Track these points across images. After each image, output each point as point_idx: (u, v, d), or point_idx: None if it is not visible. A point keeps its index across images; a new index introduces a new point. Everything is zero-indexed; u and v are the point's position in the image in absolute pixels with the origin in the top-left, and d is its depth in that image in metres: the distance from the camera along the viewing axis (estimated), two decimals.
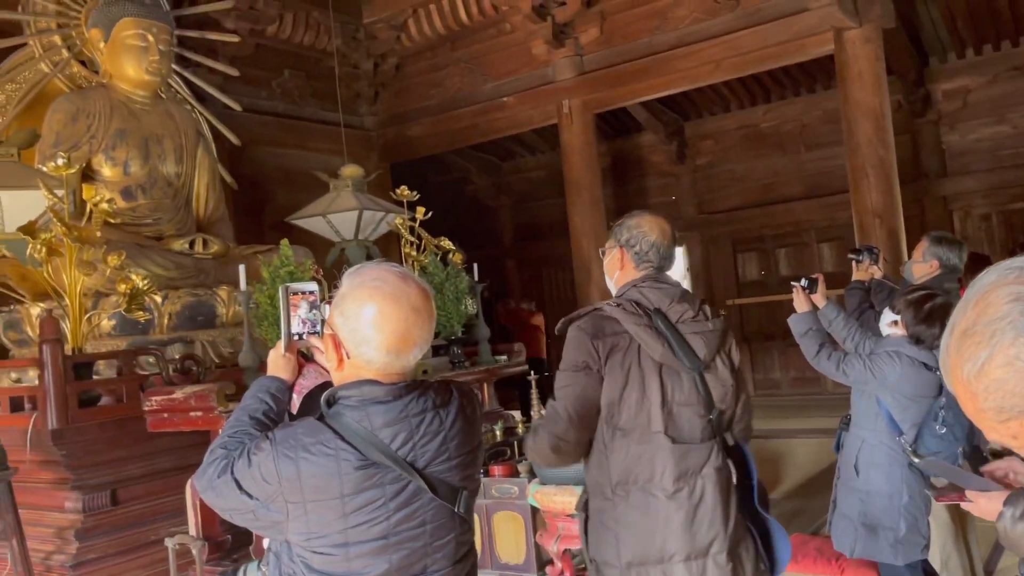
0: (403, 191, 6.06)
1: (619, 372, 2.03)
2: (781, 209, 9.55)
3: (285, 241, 4.25)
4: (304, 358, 1.61)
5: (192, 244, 5.64)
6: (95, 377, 4.25)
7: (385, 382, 1.39)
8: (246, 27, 7.20)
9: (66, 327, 4.15)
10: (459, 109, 8.23)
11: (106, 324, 4.80)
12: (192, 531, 3.85)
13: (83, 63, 5.91)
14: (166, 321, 4.96)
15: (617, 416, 2.02)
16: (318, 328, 1.51)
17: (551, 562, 3.74)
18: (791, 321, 3.41)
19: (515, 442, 4.61)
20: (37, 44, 5.69)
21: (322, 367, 1.56)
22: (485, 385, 5.34)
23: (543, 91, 7.74)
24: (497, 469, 3.89)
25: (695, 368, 2.06)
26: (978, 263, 4.68)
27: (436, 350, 5.62)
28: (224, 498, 1.39)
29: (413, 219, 5.98)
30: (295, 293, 1.55)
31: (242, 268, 4.04)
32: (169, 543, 4.12)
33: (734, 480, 2.07)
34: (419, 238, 6.06)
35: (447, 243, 6.05)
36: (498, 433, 4.69)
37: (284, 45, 7.83)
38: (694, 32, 6.92)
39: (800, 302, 3.44)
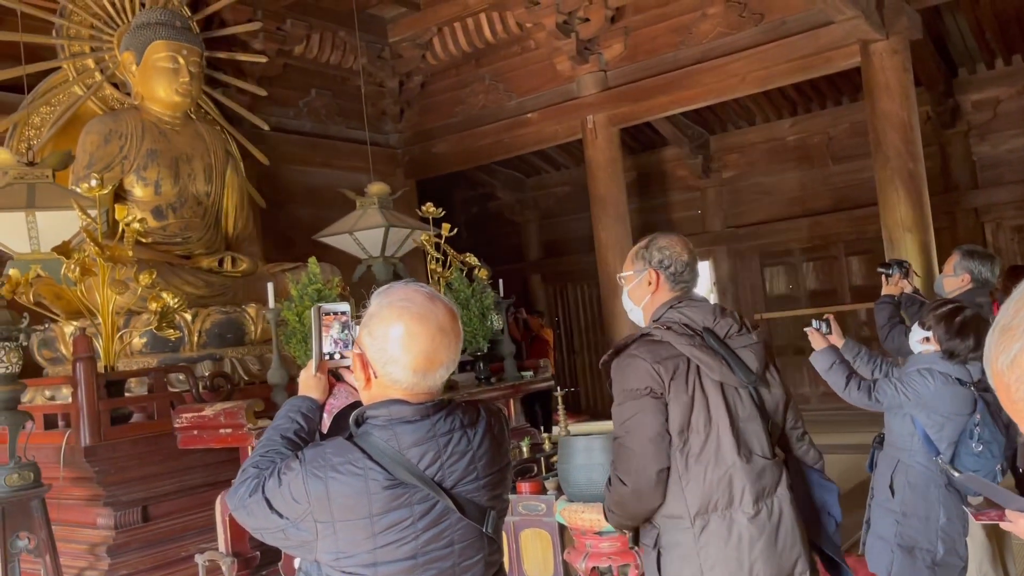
0: (429, 208, 6.10)
1: (684, 396, 1.95)
2: (809, 222, 9.48)
3: (313, 259, 4.29)
4: (335, 378, 1.63)
5: (221, 262, 5.72)
6: (127, 394, 4.31)
7: (413, 402, 1.41)
8: (274, 48, 7.31)
9: (99, 345, 4.21)
10: (484, 126, 8.28)
11: (138, 342, 4.87)
12: (222, 547, 3.87)
13: (115, 85, 6.02)
14: (196, 339, 5.02)
15: (689, 442, 1.94)
16: (349, 348, 1.53)
17: None
18: (814, 360, 3.35)
19: (542, 459, 4.60)
20: (71, 67, 5.81)
21: (352, 387, 1.57)
22: (511, 401, 5.34)
23: (567, 107, 7.76)
24: (524, 486, 3.88)
25: (751, 382, 2.02)
26: (1018, 275, 4.61)
27: (462, 366, 5.63)
28: (255, 517, 1.41)
29: (439, 236, 6.02)
30: (327, 314, 1.57)
31: (270, 286, 4.08)
32: (199, 559, 4.15)
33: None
34: (445, 254, 6.09)
35: (472, 259, 6.07)
36: (525, 450, 4.68)
37: (311, 65, 7.93)
38: (718, 46, 6.91)
39: (817, 342, 3.38)
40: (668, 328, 2.04)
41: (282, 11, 7.27)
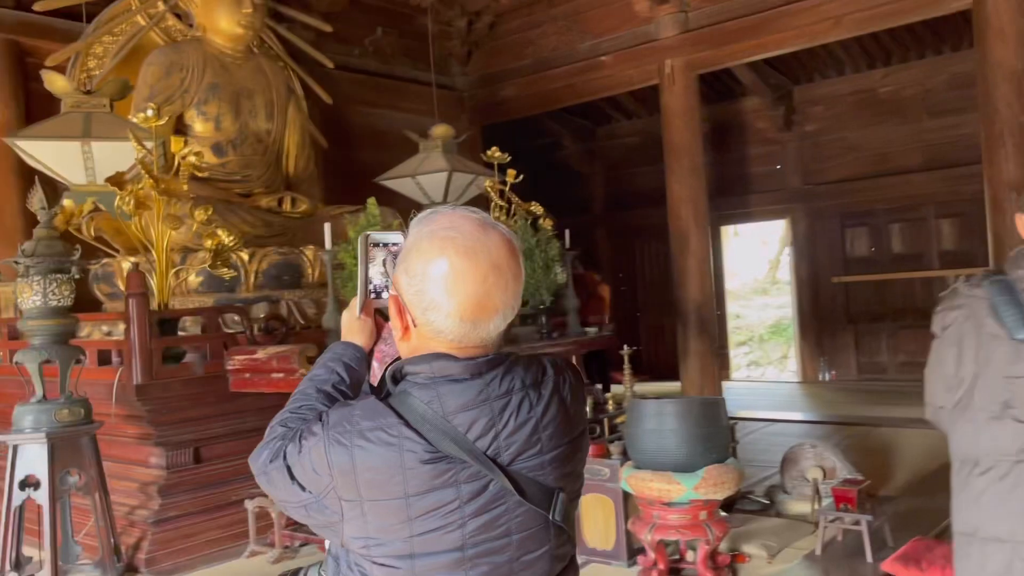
0: (494, 152, 5.83)
1: (965, 345, 1.78)
2: (896, 181, 8.87)
3: (372, 200, 4.09)
4: (384, 319, 1.37)
5: (280, 202, 5.56)
6: (180, 333, 4.20)
7: (460, 356, 1.12)
8: None
9: (153, 282, 4.09)
10: (554, 69, 7.91)
11: (193, 280, 4.76)
12: None
13: (179, 16, 5.86)
14: (252, 279, 4.88)
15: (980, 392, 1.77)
16: (386, 283, 1.27)
17: (642, 551, 3.49)
18: None
19: (605, 419, 4.36)
20: None
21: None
22: (574, 358, 5.09)
23: (644, 50, 7.33)
24: None
25: None
26: None
27: (523, 319, 5.41)
28: (276, 487, 1.17)
29: (503, 182, 5.76)
30: (376, 244, 1.30)
31: (327, 227, 3.89)
32: (249, 505, 4.05)
33: None
34: (509, 202, 5.84)
35: (538, 208, 5.80)
36: (587, 410, 4.44)
37: (377, 1, 7.65)
38: None
39: None
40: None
41: None
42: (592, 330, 5.35)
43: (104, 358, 4.11)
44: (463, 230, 1.11)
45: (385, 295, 1.28)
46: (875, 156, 9.10)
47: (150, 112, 3.98)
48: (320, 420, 1.14)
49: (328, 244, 3.85)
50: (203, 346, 4.10)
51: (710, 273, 7.24)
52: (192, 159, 4.03)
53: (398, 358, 1.25)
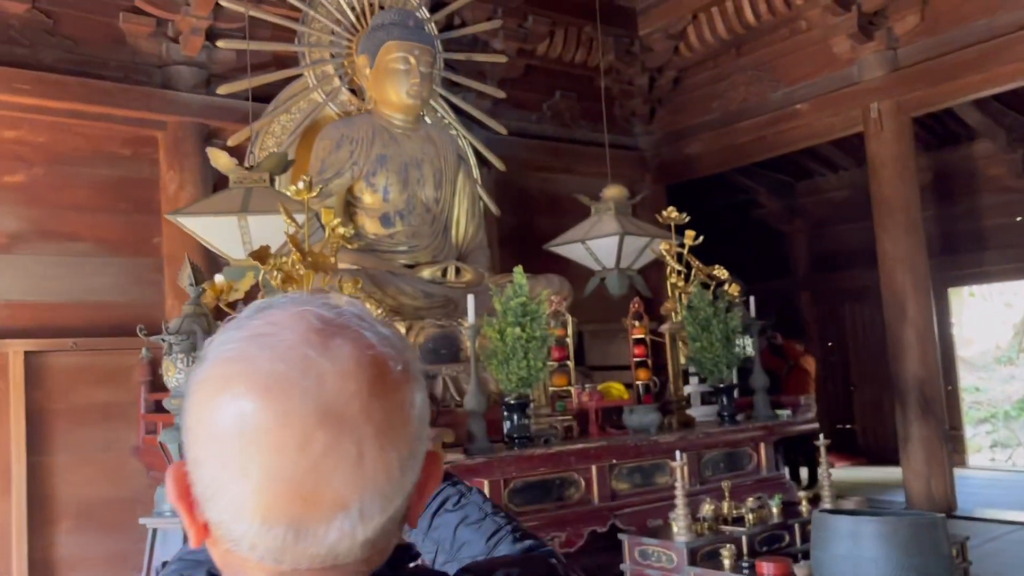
0: (671, 213, 5.34)
1: None
2: None
3: (519, 268, 3.74)
4: None
5: (445, 272, 5.38)
6: None
7: None
8: (515, 47, 6.94)
9: None
10: (743, 121, 7.31)
11: None
12: None
13: (353, 91, 5.95)
14: None
15: None
16: None
17: None
18: None
19: (796, 526, 3.64)
20: (311, 74, 5.81)
21: None
22: (762, 446, 4.40)
23: (845, 94, 6.57)
24: (766, 567, 2.97)
25: None
26: None
27: (704, 398, 4.79)
28: None
29: (681, 245, 5.23)
30: None
31: (470, 299, 3.58)
32: None
33: None
34: (688, 266, 5.29)
35: (722, 271, 5.20)
36: (774, 509, 3.75)
37: (555, 65, 7.48)
38: None
39: None
40: None
41: (523, 7, 6.87)
42: (784, 412, 4.62)
43: None
44: (276, 345, 0.60)
45: None
46: None
47: (301, 185, 3.91)
48: None
49: (471, 317, 3.53)
50: None
51: (934, 343, 6.20)
52: (341, 231, 3.90)
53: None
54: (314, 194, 3.98)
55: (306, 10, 5.77)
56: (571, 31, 7.32)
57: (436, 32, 6.17)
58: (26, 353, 4.91)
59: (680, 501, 3.27)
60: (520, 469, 3.48)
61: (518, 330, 3.47)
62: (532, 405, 3.80)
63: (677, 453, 3.34)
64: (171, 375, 3.45)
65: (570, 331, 4.17)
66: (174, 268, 4.84)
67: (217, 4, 5.48)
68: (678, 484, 3.27)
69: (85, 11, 5.40)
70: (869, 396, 9.46)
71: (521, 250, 6.90)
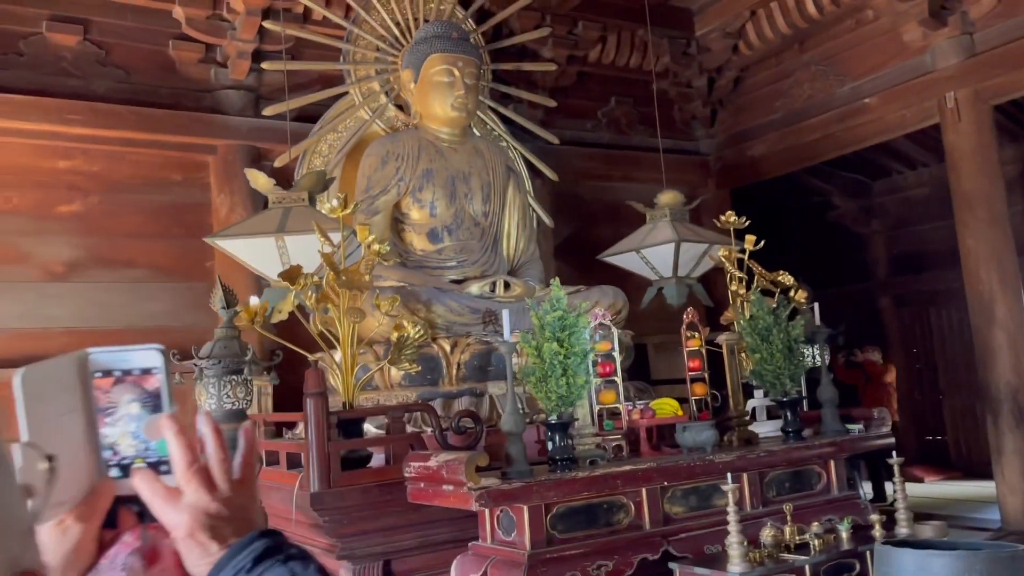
0: (728, 217, 5.07)
1: None
2: None
3: (556, 280, 3.56)
4: (129, 514, 0.78)
5: (493, 286, 5.23)
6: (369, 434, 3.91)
7: None
8: (564, 54, 6.78)
9: (338, 379, 3.86)
10: (808, 120, 6.96)
11: (396, 374, 4.52)
12: None
13: (399, 107, 5.88)
14: (455, 371, 4.54)
15: None
16: (151, 449, 0.70)
17: None
18: None
19: (866, 553, 3.34)
20: (357, 92, 5.77)
21: (164, 533, 0.74)
22: (832, 463, 4.08)
23: (917, 84, 6.17)
24: None
25: None
26: None
27: (768, 412, 4.50)
28: None
29: (742, 250, 4.95)
30: (106, 373, 0.73)
31: (505, 313, 3.41)
32: None
33: None
34: (750, 272, 5.00)
35: (787, 278, 4.89)
36: (844, 534, 3.45)
37: (609, 71, 7.28)
38: None
39: None
40: None
41: (572, 13, 6.71)
42: (856, 427, 4.28)
43: (294, 461, 3.92)
44: None
45: (137, 466, 0.71)
46: None
47: (335, 203, 3.82)
48: None
49: (506, 333, 3.36)
50: (387, 449, 3.77)
51: None
52: (376, 247, 3.79)
53: None
54: (349, 211, 3.90)
55: (351, 28, 5.75)
56: (624, 35, 7.11)
57: (482, 43, 6.07)
58: None
59: (733, 528, 3.02)
60: (562, 494, 3.28)
61: (555, 345, 3.28)
62: (576, 424, 3.60)
63: (729, 475, 3.09)
64: (203, 400, 3.40)
65: (616, 344, 3.95)
66: None
67: (262, 27, 5.52)
68: (730, 509, 3.02)
69: (136, 40, 5.49)
70: (960, 405, 8.87)
71: (579, 262, 6.72)
